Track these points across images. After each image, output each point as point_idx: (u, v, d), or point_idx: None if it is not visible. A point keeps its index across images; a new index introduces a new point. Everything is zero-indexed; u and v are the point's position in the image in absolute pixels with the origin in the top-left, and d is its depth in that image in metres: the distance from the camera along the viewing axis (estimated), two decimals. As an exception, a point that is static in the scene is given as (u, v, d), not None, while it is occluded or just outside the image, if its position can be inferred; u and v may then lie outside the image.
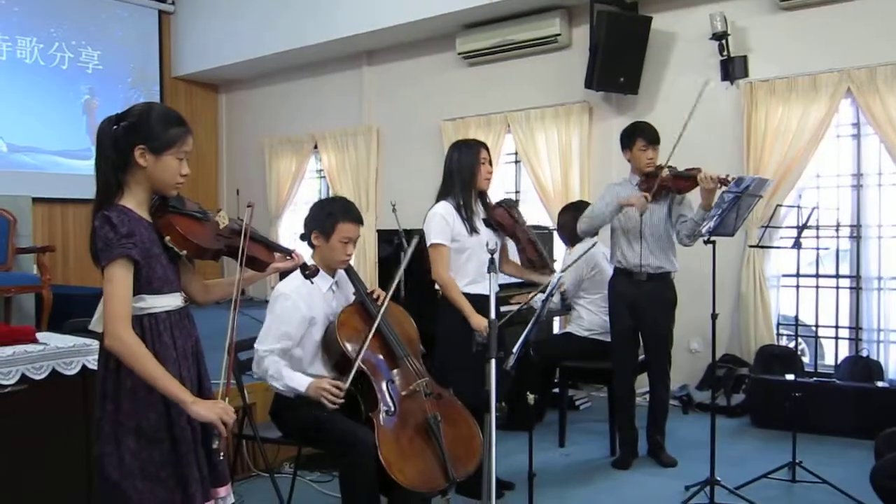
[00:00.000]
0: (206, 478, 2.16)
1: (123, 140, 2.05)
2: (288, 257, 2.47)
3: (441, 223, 3.58)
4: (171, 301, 2.15)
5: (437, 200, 3.70)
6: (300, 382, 2.91)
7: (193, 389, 2.14)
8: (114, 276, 1.99)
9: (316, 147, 8.43)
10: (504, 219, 3.70)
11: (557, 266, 5.61)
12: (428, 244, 3.62)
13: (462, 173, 3.64)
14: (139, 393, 2.05)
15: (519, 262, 3.85)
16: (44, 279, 5.70)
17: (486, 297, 2.62)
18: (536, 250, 3.75)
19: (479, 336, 2.48)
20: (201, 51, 8.83)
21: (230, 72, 8.92)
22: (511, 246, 3.89)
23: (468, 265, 3.61)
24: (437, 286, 3.70)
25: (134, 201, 2.08)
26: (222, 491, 2.24)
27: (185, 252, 2.17)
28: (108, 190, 2.06)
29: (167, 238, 2.12)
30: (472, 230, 3.60)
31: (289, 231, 8.66)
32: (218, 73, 8.99)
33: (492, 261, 2.64)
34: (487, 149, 3.73)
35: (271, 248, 2.47)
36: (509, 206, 3.74)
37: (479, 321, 3.38)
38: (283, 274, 2.74)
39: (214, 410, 2.02)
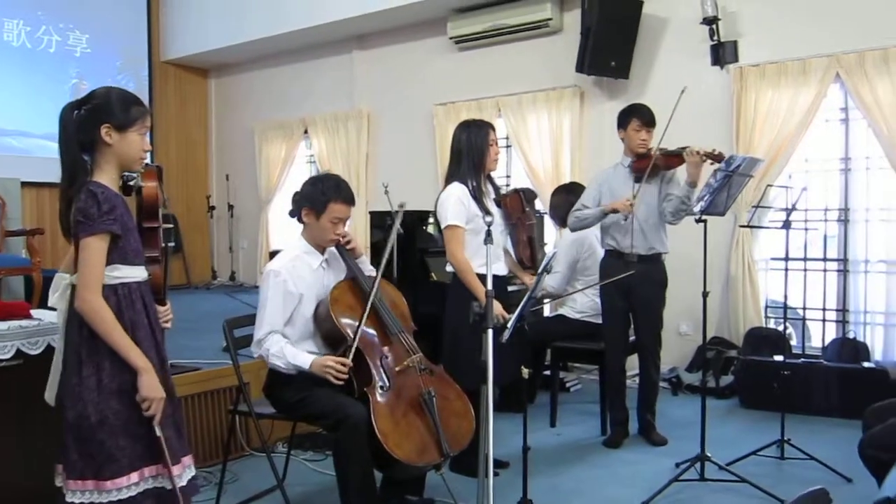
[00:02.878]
0: (184, 435, 2.30)
1: (88, 121, 2.20)
2: None
3: (457, 205, 3.58)
4: (140, 273, 2.28)
5: (447, 182, 3.70)
6: (304, 360, 2.92)
7: (163, 356, 2.31)
8: (92, 246, 2.13)
9: (306, 132, 8.41)
10: (515, 206, 3.73)
11: (548, 249, 5.66)
12: (443, 226, 3.61)
13: (472, 155, 3.65)
14: (117, 354, 2.15)
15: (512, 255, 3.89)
16: (34, 261, 5.67)
17: (499, 278, 2.63)
18: (531, 252, 3.80)
19: (476, 306, 2.49)
20: (190, 35, 8.78)
21: (220, 56, 8.88)
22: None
23: (480, 248, 3.55)
24: (448, 267, 3.71)
25: (107, 178, 2.23)
26: (186, 460, 2.31)
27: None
28: (75, 169, 2.21)
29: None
30: (486, 212, 3.60)
31: (278, 216, 8.65)
32: (207, 57, 8.94)
33: (488, 233, 2.65)
34: (494, 129, 3.75)
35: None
36: (526, 196, 3.75)
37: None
38: (272, 253, 2.80)
39: (154, 392, 2.16)
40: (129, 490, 2.15)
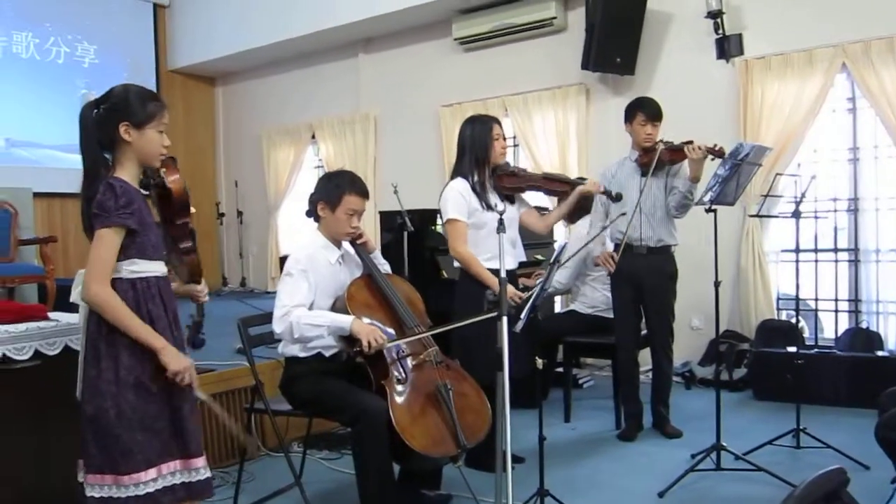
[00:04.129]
0: (199, 429, 2.32)
1: (107, 120, 2.22)
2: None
3: (457, 198, 3.60)
4: (159, 267, 2.30)
5: (452, 177, 3.73)
6: (344, 319, 2.92)
7: (181, 349, 2.30)
8: (104, 237, 2.15)
9: (314, 136, 8.46)
10: (509, 183, 3.75)
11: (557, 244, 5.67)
12: (444, 221, 3.64)
13: (475, 149, 3.67)
14: (136, 346, 2.18)
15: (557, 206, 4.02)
16: (48, 269, 5.71)
17: (509, 272, 2.63)
18: (557, 180, 3.86)
19: (490, 294, 2.51)
20: (197, 43, 8.84)
21: (226, 63, 8.94)
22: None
23: (488, 240, 3.60)
24: (455, 263, 3.72)
25: (128, 175, 2.25)
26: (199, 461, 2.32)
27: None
28: (97, 166, 2.23)
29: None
30: (488, 206, 3.62)
31: (287, 222, 8.69)
32: (214, 65, 9.00)
33: (500, 222, 2.67)
34: (500, 124, 3.77)
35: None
36: (502, 171, 3.76)
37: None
38: (282, 258, 2.83)
39: (181, 363, 2.19)
40: (146, 486, 2.16)
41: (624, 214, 4.05)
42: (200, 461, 2.27)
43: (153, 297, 2.25)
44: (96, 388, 2.16)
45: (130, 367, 2.17)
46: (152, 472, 2.18)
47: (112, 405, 2.14)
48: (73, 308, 2.52)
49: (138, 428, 2.16)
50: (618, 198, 4.07)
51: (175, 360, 2.18)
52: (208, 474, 2.32)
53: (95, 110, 2.23)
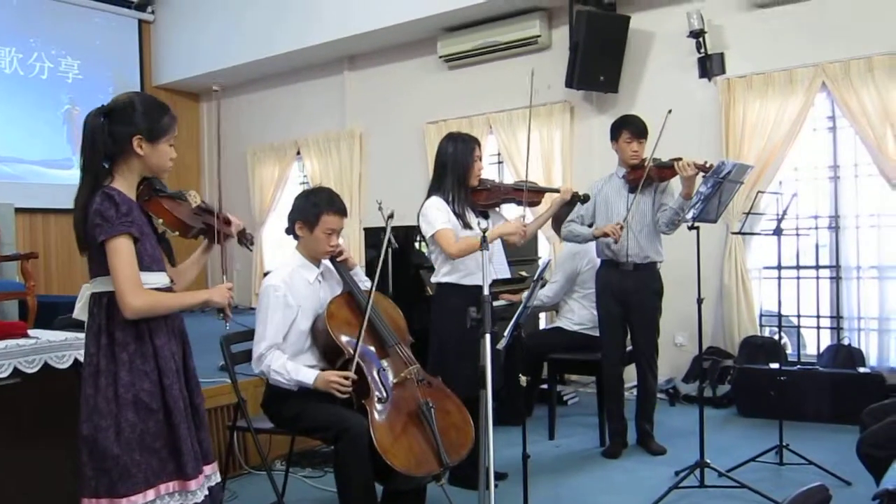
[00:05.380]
0: (198, 451, 2.25)
1: (120, 132, 2.16)
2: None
3: (436, 212, 3.62)
4: (160, 279, 2.25)
5: (429, 194, 3.74)
6: (307, 376, 2.93)
7: (179, 365, 2.27)
8: (120, 247, 2.10)
9: (299, 153, 8.45)
10: (483, 199, 3.77)
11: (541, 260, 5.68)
12: (431, 235, 3.63)
13: (456, 168, 3.69)
14: (135, 363, 2.14)
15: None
16: (28, 286, 5.66)
17: (481, 289, 2.63)
18: (528, 190, 3.82)
19: (472, 312, 2.51)
20: (182, 59, 8.84)
21: (211, 80, 8.89)
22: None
23: (466, 258, 3.61)
24: (433, 278, 3.76)
25: (125, 184, 2.20)
26: (208, 469, 2.30)
27: (176, 232, 2.31)
28: (98, 177, 2.16)
29: (160, 221, 2.25)
30: (466, 225, 3.63)
31: (273, 237, 8.65)
32: (199, 81, 8.98)
33: (483, 239, 2.67)
34: (480, 145, 3.79)
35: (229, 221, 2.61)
36: (474, 188, 3.76)
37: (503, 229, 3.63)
38: (266, 275, 2.83)
39: (221, 293, 2.34)
40: None
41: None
42: (194, 484, 2.22)
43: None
44: (94, 407, 2.12)
45: (129, 384, 2.13)
46: (150, 494, 2.13)
47: (110, 423, 2.10)
48: (54, 325, 2.50)
49: (137, 447, 2.12)
50: (585, 199, 4.07)
51: (217, 294, 2.32)
52: (205, 494, 2.27)
53: (103, 118, 2.16)
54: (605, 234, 4.12)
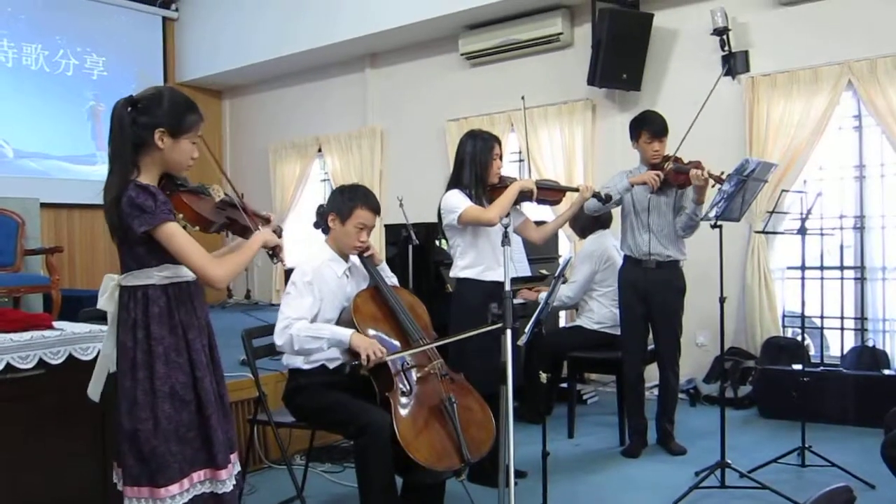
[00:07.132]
0: (228, 440, 2.29)
1: (144, 123, 2.16)
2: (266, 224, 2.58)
3: (458, 197, 3.66)
4: (189, 272, 2.25)
5: (448, 188, 3.75)
6: (343, 332, 2.93)
7: (208, 358, 2.30)
8: (173, 230, 2.13)
9: (320, 150, 8.48)
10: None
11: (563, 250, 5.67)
12: (457, 216, 3.63)
13: (475, 165, 3.70)
14: (171, 356, 2.18)
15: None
16: (53, 279, 5.73)
17: (501, 284, 2.64)
18: (548, 189, 3.85)
19: (494, 308, 2.51)
20: (205, 56, 8.89)
21: (233, 77, 8.98)
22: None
23: (485, 252, 3.65)
24: (451, 273, 3.77)
25: (150, 178, 2.21)
26: (233, 457, 2.33)
27: (196, 227, 2.31)
28: (126, 168, 2.16)
29: (180, 216, 2.25)
30: None
31: (293, 234, 8.68)
32: (221, 78, 9.04)
33: (505, 234, 2.67)
34: (500, 143, 3.80)
35: (257, 216, 2.61)
36: (493, 187, 3.76)
37: (524, 184, 3.68)
38: (287, 272, 2.83)
39: (269, 237, 2.42)
40: (181, 497, 2.17)
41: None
42: (224, 473, 2.26)
43: (184, 303, 2.25)
44: (133, 400, 2.17)
45: (165, 376, 2.17)
46: (185, 483, 2.19)
47: (149, 416, 2.15)
48: (79, 317, 2.53)
49: (174, 438, 2.18)
50: (607, 199, 4.05)
51: (269, 234, 2.39)
52: (234, 483, 2.31)
53: (130, 108, 2.17)
54: (643, 182, 4.10)
